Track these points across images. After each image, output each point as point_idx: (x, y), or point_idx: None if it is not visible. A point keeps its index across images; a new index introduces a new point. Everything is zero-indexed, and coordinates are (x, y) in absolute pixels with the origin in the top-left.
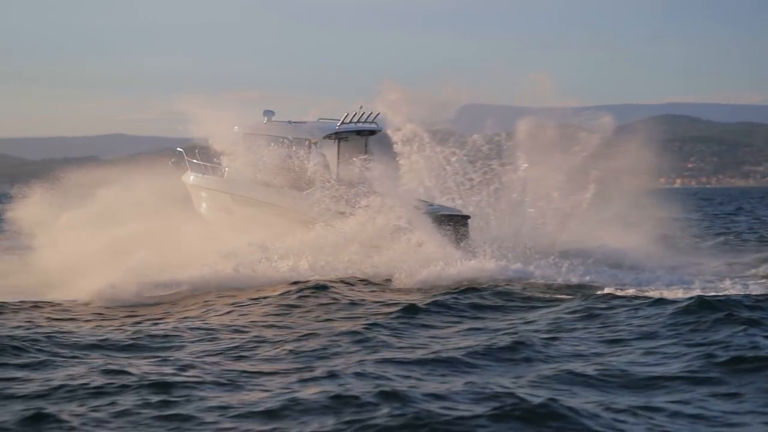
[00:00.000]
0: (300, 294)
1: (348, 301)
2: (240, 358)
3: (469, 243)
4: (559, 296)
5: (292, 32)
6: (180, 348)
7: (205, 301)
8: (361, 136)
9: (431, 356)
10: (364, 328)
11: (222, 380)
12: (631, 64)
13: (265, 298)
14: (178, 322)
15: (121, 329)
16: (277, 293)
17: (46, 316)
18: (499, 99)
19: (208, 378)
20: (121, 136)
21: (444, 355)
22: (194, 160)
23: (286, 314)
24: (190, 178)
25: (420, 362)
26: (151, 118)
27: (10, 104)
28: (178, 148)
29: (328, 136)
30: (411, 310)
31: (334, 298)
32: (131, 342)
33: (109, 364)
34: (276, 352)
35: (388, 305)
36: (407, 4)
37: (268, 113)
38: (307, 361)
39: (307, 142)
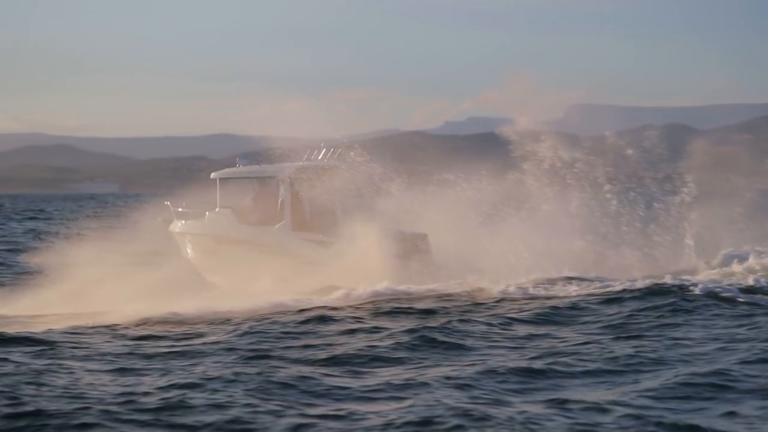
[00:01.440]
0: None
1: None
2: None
3: (428, 261)
4: None
5: (398, 32)
6: None
7: None
8: (328, 173)
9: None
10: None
11: None
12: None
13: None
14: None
15: None
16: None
17: None
18: (609, 98)
19: None
20: (229, 135)
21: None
22: (179, 209)
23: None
24: (177, 226)
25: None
26: (258, 118)
27: (119, 104)
28: (166, 202)
29: (294, 172)
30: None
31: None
32: None
33: None
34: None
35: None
36: (515, 3)
37: (243, 160)
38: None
39: (275, 180)
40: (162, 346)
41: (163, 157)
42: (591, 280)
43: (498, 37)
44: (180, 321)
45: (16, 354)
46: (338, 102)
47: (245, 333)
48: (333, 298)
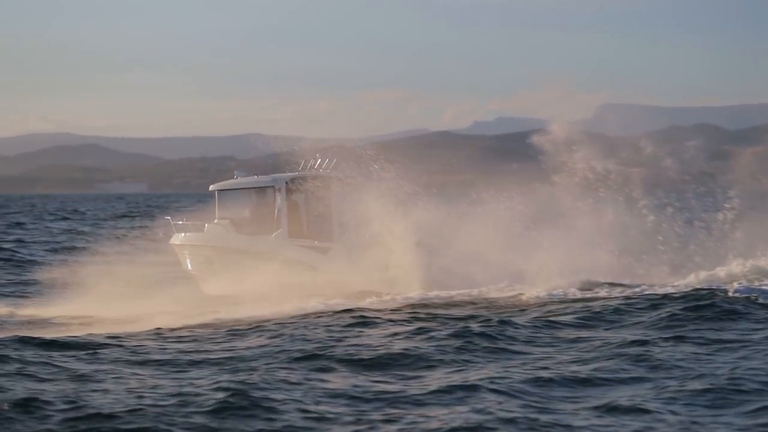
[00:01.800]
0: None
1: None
2: None
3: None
4: None
5: (427, 32)
6: None
7: None
8: (323, 183)
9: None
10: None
11: None
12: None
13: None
14: None
15: None
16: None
17: None
18: (637, 98)
19: None
20: (258, 135)
21: None
22: (179, 222)
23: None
24: (177, 239)
25: None
26: (286, 118)
27: (148, 104)
28: (167, 217)
29: (290, 182)
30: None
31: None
32: None
33: None
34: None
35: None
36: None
37: (240, 173)
38: None
39: (271, 190)
40: (208, 350)
41: (191, 157)
42: (632, 286)
43: (526, 36)
44: (221, 325)
45: (65, 358)
46: (367, 102)
47: (289, 337)
48: (368, 303)
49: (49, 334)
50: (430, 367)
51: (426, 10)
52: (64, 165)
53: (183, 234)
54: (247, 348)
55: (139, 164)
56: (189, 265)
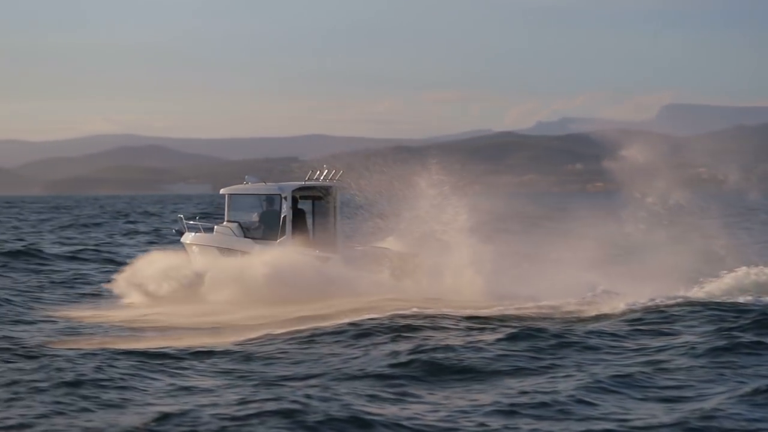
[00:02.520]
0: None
1: None
2: None
3: (419, 279)
4: None
5: (490, 31)
6: None
7: None
8: (328, 193)
9: None
10: None
11: None
12: None
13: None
14: None
15: None
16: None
17: None
18: (700, 98)
19: None
20: (321, 136)
21: None
22: (191, 222)
23: None
24: (188, 237)
25: None
26: (350, 119)
27: (211, 105)
28: (179, 215)
29: (296, 191)
30: None
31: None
32: None
33: None
34: None
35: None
36: (606, 3)
37: (251, 178)
38: None
39: (278, 197)
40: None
41: (255, 158)
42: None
43: (590, 37)
44: (299, 331)
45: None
46: (430, 103)
47: (373, 346)
48: (413, 313)
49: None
50: (523, 375)
51: (490, 11)
52: (129, 166)
53: (193, 233)
54: (338, 356)
55: (203, 165)
56: (197, 264)
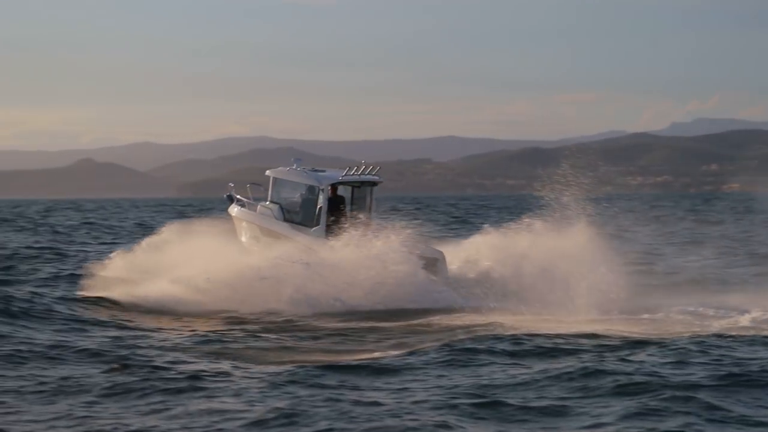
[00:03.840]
0: None
1: None
2: None
3: (445, 278)
4: None
5: (622, 32)
6: None
7: None
8: (365, 186)
9: None
10: None
11: None
12: None
13: None
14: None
15: None
16: None
17: None
18: None
19: None
20: (454, 138)
21: None
22: (238, 196)
23: None
24: (234, 210)
25: None
26: (483, 120)
27: (344, 107)
28: (230, 184)
29: (333, 185)
30: None
31: None
32: None
33: None
34: None
35: None
36: (739, 1)
37: (297, 161)
38: None
39: (316, 189)
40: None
41: (387, 160)
42: None
43: (724, 36)
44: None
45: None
46: (563, 104)
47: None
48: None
49: None
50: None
51: (621, 12)
52: (261, 168)
53: (238, 208)
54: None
55: (334, 167)
56: (242, 238)
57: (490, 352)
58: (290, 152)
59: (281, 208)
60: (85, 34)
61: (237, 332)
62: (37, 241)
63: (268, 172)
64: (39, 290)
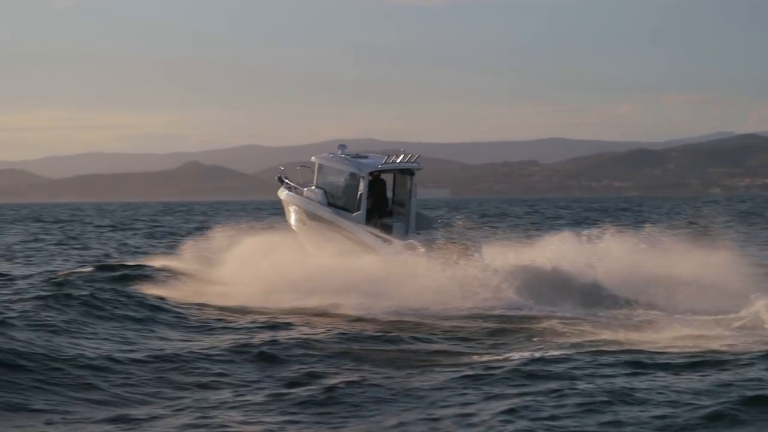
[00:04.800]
0: None
1: None
2: None
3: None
4: None
5: (730, 32)
6: None
7: None
8: (405, 174)
9: None
10: None
11: None
12: None
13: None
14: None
15: None
16: None
17: None
18: None
19: None
20: (560, 140)
21: None
22: (287, 180)
23: None
24: (283, 194)
25: None
26: (589, 122)
27: (450, 109)
28: (281, 166)
29: (372, 173)
30: None
31: None
32: None
33: None
34: None
35: None
36: None
37: (342, 147)
38: None
39: (357, 175)
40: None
41: (493, 162)
42: None
43: None
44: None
45: None
46: (670, 105)
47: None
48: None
49: None
50: None
51: (730, 12)
52: None
53: (287, 192)
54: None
55: (441, 169)
56: (290, 221)
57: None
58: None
59: (325, 193)
60: (192, 38)
61: (402, 333)
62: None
63: (313, 158)
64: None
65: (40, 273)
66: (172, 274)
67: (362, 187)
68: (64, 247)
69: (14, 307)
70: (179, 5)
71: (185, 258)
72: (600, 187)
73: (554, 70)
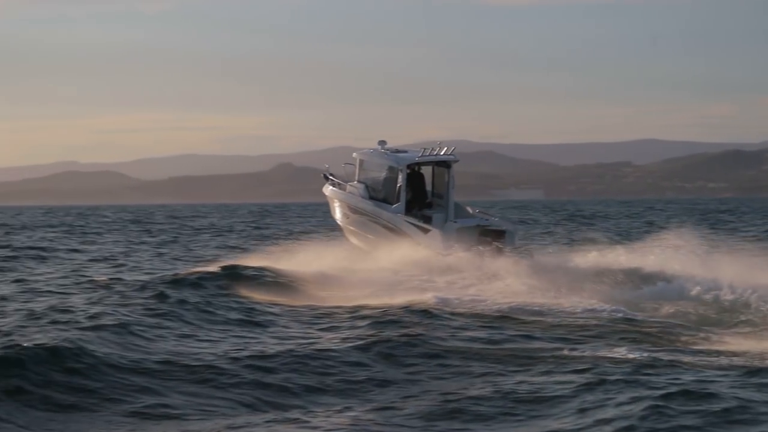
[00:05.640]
0: None
1: None
2: None
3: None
4: None
5: None
6: None
7: None
8: (442, 166)
9: None
10: None
11: None
12: None
13: None
14: None
15: None
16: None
17: None
18: None
19: None
20: (654, 141)
21: None
22: (331, 176)
23: None
24: (327, 190)
25: None
26: (683, 123)
27: (543, 110)
28: (325, 165)
29: (410, 166)
30: None
31: None
32: None
33: None
34: None
35: None
36: None
37: (381, 143)
38: None
39: (395, 168)
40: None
41: (587, 163)
42: None
43: None
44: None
45: None
46: (767, 106)
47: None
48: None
49: None
50: None
51: None
52: (461, 172)
53: (331, 188)
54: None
55: (534, 171)
56: (335, 215)
57: None
58: (489, 156)
59: (366, 187)
60: (284, 39)
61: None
62: None
63: (354, 154)
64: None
65: (150, 276)
66: (277, 276)
67: (401, 179)
68: (168, 248)
69: (123, 311)
70: (270, 7)
71: (286, 259)
72: (694, 189)
73: (648, 70)
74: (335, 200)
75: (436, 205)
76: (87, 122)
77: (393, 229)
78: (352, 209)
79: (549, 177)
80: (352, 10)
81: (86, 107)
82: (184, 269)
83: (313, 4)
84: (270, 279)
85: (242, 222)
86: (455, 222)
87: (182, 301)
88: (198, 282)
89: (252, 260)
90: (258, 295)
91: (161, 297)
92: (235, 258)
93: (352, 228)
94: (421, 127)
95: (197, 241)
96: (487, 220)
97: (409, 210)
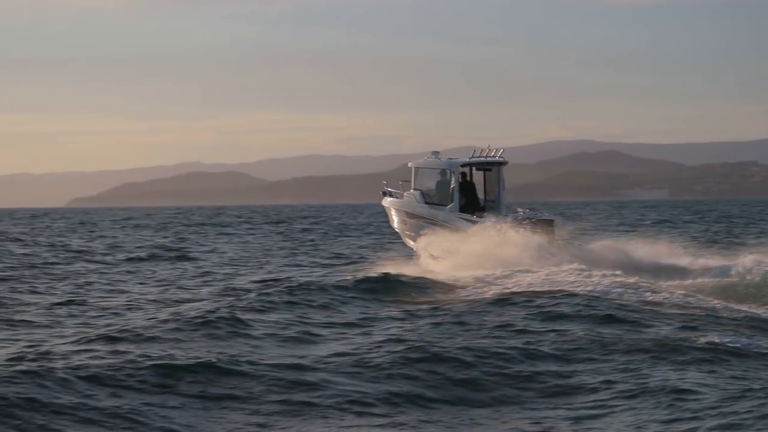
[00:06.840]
0: None
1: None
2: None
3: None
4: None
5: None
6: None
7: None
8: (492, 169)
9: None
10: None
11: None
12: None
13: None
14: None
15: None
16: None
17: None
18: None
19: None
20: None
21: None
22: (389, 188)
23: None
24: (386, 201)
25: None
26: None
27: (667, 110)
28: (383, 181)
29: (462, 167)
30: None
31: None
32: None
33: None
34: None
35: None
36: None
37: (435, 154)
38: None
39: (447, 172)
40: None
41: (712, 162)
42: None
43: None
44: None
45: None
46: None
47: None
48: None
49: None
50: None
51: None
52: (584, 172)
53: (389, 199)
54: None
55: (659, 170)
56: (393, 224)
57: None
58: (613, 155)
59: (422, 193)
60: (407, 38)
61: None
62: None
63: (410, 164)
64: None
65: (276, 277)
66: (402, 278)
67: (453, 181)
68: (303, 248)
69: (249, 315)
70: (393, 7)
71: (413, 262)
72: None
73: (759, 70)
74: (393, 209)
75: (488, 209)
76: (209, 123)
77: (447, 227)
78: (409, 215)
79: (674, 177)
80: (476, 9)
81: (208, 108)
82: (313, 270)
83: (433, 5)
84: (395, 281)
85: (375, 222)
86: (506, 216)
87: (309, 304)
88: (326, 283)
89: (385, 264)
90: (383, 295)
91: (289, 299)
92: (363, 260)
93: (409, 233)
94: (546, 127)
95: (331, 241)
96: (535, 214)
97: (462, 210)
